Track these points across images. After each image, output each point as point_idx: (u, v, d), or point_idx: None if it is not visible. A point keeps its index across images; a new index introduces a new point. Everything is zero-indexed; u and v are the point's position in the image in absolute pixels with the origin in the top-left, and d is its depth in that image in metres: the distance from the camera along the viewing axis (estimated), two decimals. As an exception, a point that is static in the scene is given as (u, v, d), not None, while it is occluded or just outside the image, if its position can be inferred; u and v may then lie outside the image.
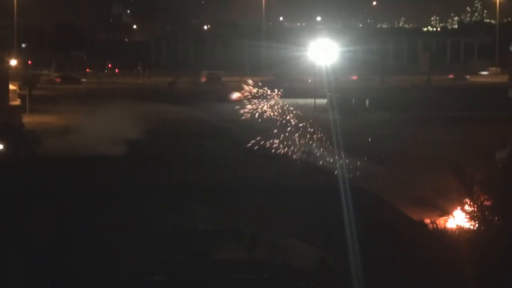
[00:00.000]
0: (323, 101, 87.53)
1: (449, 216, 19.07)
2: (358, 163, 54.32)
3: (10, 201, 39.00)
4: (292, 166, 53.76)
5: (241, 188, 43.17)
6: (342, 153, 55.38)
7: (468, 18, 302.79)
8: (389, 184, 46.80)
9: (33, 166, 51.89)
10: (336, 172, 50.18)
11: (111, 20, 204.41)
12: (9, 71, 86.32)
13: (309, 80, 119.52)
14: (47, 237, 33.37)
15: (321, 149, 60.41)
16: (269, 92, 70.35)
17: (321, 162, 56.51)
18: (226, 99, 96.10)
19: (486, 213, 17.95)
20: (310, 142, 61.34)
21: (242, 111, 69.17)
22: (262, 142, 59.57)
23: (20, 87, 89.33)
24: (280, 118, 67.30)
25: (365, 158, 56.00)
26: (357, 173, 50.35)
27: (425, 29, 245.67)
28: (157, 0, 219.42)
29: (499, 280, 17.03)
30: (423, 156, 56.28)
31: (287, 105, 69.63)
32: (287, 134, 61.93)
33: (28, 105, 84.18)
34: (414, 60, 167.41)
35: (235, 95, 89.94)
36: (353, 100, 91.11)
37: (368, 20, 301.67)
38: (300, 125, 64.23)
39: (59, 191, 42.57)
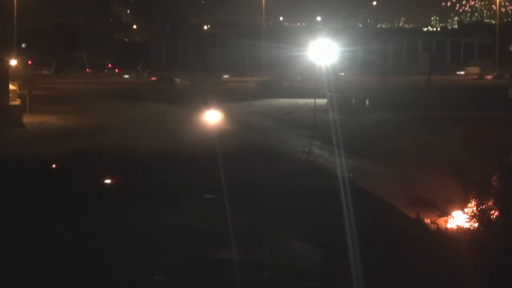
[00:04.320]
0: (323, 101, 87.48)
1: (449, 216, 19.05)
2: (358, 162, 54.26)
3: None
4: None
5: (241, 188, 43.13)
6: (342, 152, 55.37)
7: (468, 18, 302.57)
8: (389, 184, 46.77)
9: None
10: (336, 171, 50.17)
11: (111, 20, 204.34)
12: (9, 71, 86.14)
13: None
14: (46, 235, 33.36)
15: (321, 149, 60.43)
16: None
17: (321, 162, 56.52)
18: None
19: (486, 213, 17.94)
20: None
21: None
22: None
23: (20, 87, 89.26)
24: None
25: (365, 157, 55.95)
26: (357, 173, 50.29)
27: (425, 29, 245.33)
28: (157, 0, 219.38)
29: (499, 280, 17.03)
30: (422, 156, 56.17)
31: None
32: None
33: (28, 105, 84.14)
34: (414, 60, 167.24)
35: None
36: (353, 100, 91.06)
37: (368, 20, 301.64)
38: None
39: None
